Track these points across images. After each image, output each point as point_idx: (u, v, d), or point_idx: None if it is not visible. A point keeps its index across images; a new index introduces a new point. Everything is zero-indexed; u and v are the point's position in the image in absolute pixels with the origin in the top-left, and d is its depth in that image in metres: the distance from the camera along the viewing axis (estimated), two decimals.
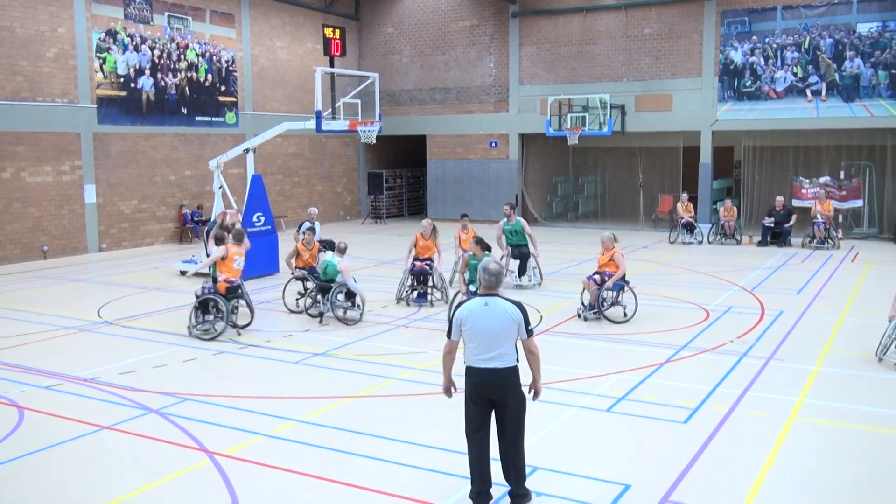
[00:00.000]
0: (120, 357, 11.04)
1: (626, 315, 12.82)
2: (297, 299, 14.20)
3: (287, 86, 27.84)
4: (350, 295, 12.92)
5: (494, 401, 6.29)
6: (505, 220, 15.81)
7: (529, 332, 6.29)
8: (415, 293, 14.40)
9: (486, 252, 11.64)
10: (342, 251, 13.05)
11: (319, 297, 13.05)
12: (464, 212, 20.87)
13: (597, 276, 12.97)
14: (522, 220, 15.62)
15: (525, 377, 6.43)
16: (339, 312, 12.80)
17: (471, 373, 6.29)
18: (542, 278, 16.03)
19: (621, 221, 28.28)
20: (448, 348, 6.45)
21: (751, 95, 24.52)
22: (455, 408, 8.85)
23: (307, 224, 18.03)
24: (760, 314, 13.34)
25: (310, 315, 13.28)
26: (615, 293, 12.91)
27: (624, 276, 12.91)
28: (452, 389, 6.63)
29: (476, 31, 28.70)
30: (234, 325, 12.21)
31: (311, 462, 7.34)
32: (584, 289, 13.23)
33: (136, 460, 7.48)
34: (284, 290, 14.42)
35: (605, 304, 12.80)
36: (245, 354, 11.20)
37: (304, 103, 27.96)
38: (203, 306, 12.11)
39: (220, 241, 12.69)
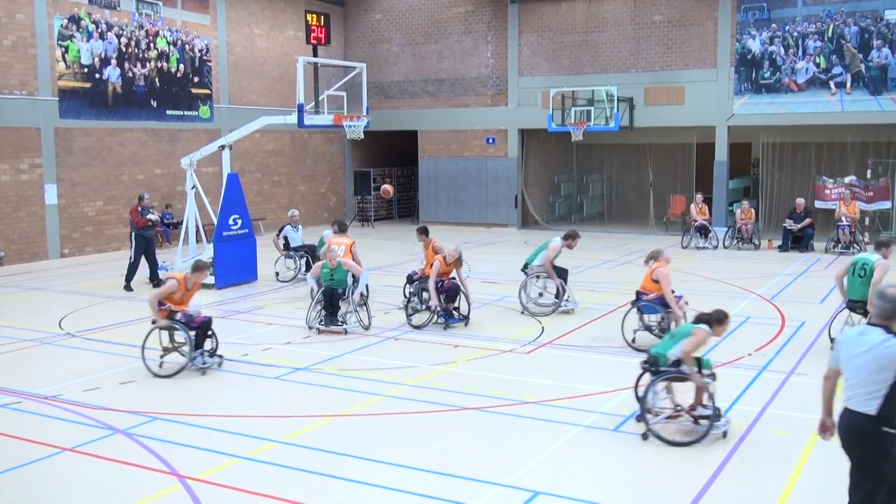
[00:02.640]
0: (83, 372, 11.01)
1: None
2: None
3: (266, 77, 27.85)
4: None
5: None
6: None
7: None
8: (432, 314, 13.44)
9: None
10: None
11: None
12: (426, 223, 20.30)
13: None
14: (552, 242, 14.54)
15: None
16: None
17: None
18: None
19: (630, 224, 28.35)
20: (825, 374, 6.01)
21: (770, 88, 24.62)
22: (447, 428, 8.87)
23: (288, 227, 18.09)
24: (781, 325, 13.38)
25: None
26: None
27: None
28: (827, 431, 6.00)
29: (472, 17, 28.76)
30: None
31: (293, 487, 7.34)
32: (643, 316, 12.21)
33: (100, 485, 7.46)
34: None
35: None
36: (220, 370, 11.18)
37: (284, 96, 27.95)
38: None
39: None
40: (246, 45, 27.07)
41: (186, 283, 11.05)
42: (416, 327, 13.29)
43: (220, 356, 11.24)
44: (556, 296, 14.43)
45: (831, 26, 23.75)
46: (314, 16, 18.87)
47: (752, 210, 23.21)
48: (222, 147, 17.86)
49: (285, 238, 18.02)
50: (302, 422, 9.02)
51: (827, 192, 24.04)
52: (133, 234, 17.16)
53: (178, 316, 10.95)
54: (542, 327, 13.25)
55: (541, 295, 14.69)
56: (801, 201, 22.55)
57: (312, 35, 18.75)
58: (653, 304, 11.86)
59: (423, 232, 15.40)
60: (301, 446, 8.29)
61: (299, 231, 18.27)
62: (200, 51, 25.38)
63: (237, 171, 19.77)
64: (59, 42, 21.49)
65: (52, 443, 8.39)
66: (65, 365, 11.56)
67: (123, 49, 23.05)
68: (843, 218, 21.62)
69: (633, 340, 12.03)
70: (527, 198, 28.73)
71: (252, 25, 27.28)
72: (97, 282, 18.12)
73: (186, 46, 24.92)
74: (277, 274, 17.93)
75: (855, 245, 21.35)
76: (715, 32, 25.20)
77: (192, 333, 10.88)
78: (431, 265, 13.84)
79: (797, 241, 22.08)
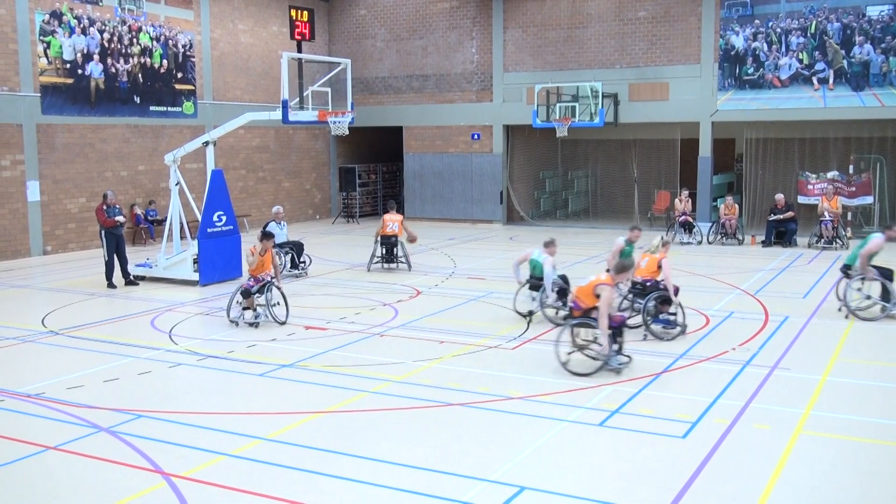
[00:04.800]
0: (67, 370, 10.94)
1: None
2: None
3: (250, 73, 27.75)
4: (563, 293, 13.24)
5: None
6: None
7: None
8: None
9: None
10: (547, 245, 13.48)
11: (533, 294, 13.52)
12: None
13: None
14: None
15: None
16: (550, 312, 13.32)
17: None
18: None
19: (614, 220, 28.43)
20: None
21: (753, 84, 24.74)
22: (433, 424, 8.89)
23: (273, 224, 18.04)
24: (764, 320, 13.46)
25: None
26: None
27: None
28: None
29: (456, 13, 28.74)
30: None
31: (279, 484, 7.33)
32: None
33: (85, 484, 7.43)
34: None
35: None
36: (205, 367, 11.16)
37: (269, 92, 27.87)
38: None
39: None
40: (230, 41, 26.95)
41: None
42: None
43: (628, 357, 10.72)
44: (883, 297, 13.54)
45: (814, 22, 23.88)
46: (298, 11, 18.78)
47: (736, 205, 23.33)
48: (206, 143, 17.78)
49: (270, 234, 17.94)
50: (288, 418, 9.01)
51: (810, 187, 24.20)
52: (102, 232, 16.91)
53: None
54: (528, 323, 13.28)
55: (868, 297, 13.86)
56: (780, 197, 22.68)
57: (297, 31, 18.66)
58: None
59: (269, 237, 13.96)
60: (287, 443, 8.28)
61: (284, 227, 18.22)
62: (184, 46, 25.25)
63: (221, 167, 19.68)
64: (41, 37, 21.32)
65: (35, 441, 8.34)
66: (48, 363, 11.49)
67: (106, 44, 22.89)
68: (826, 213, 21.75)
69: None
70: (512, 194, 28.76)
71: (236, 21, 27.17)
72: (80, 279, 18.01)
73: (170, 42, 24.78)
74: None
75: (838, 240, 21.51)
76: (699, 28, 25.29)
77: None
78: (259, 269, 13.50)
79: (780, 237, 22.21)
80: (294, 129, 28.98)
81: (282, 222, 18.23)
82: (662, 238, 13.09)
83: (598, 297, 10.31)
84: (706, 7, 25.06)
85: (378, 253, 18.57)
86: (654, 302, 12.39)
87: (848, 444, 8.19)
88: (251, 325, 13.33)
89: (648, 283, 12.61)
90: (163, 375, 10.80)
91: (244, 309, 13.53)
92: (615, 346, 10.51)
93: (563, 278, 13.55)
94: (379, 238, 18.56)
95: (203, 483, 7.32)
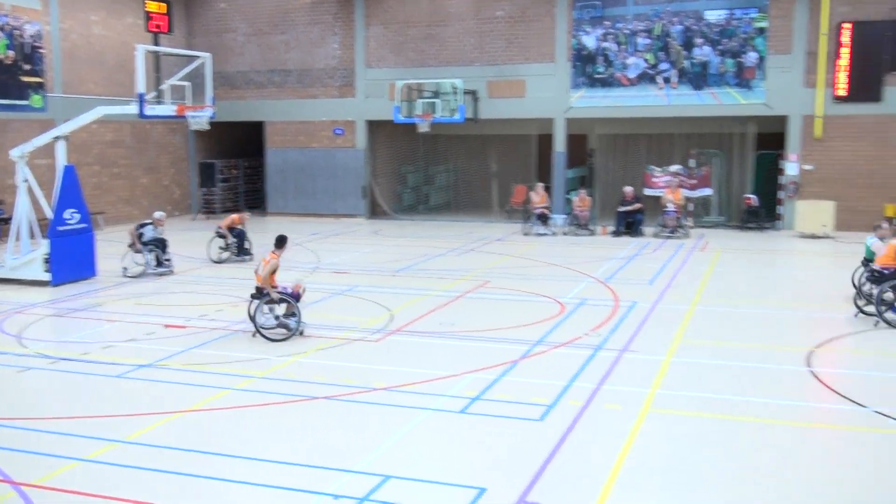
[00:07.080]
0: None
1: None
2: None
3: (104, 66, 26.49)
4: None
5: None
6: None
7: None
8: None
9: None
10: (877, 228, 13.65)
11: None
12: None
13: None
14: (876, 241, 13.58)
15: None
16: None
17: None
18: None
19: (474, 213, 28.88)
20: None
21: (603, 82, 25.64)
22: (298, 418, 8.79)
23: (150, 227, 17.35)
24: (614, 306, 14.01)
25: None
26: None
27: None
28: None
29: (318, 8, 28.40)
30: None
31: (139, 487, 7.07)
32: None
33: None
34: None
35: None
36: (57, 370, 10.61)
37: (124, 85, 26.66)
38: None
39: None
40: (82, 33, 25.63)
41: None
42: None
43: None
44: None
45: (658, 24, 24.97)
46: (155, 3, 18.11)
47: (589, 198, 24.16)
48: (57, 138, 16.88)
49: (141, 233, 17.31)
50: (147, 419, 8.69)
51: (655, 180, 25.31)
52: None
53: None
54: (392, 315, 13.31)
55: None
56: (629, 189, 23.66)
57: (152, 23, 18.02)
58: None
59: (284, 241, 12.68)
60: (147, 445, 7.99)
61: (160, 233, 17.61)
62: (32, 37, 23.82)
63: (74, 163, 18.71)
64: None
65: None
66: None
67: None
68: (670, 204, 22.86)
69: None
70: (375, 188, 28.72)
71: (88, 12, 25.85)
72: None
73: (15, 32, 23.33)
74: (126, 269, 17.14)
75: (680, 229, 22.62)
76: (553, 29, 25.97)
77: None
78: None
79: (629, 227, 23.17)
80: (151, 123, 27.87)
81: (159, 228, 17.57)
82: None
83: None
84: (560, 8, 25.76)
85: (223, 245, 19.16)
86: (892, 291, 12.17)
87: (693, 420, 8.64)
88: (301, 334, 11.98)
89: (886, 272, 12.34)
90: (11, 380, 10.20)
91: (286, 317, 12.00)
92: None
93: None
94: (226, 230, 19.18)
95: (56, 490, 6.98)
